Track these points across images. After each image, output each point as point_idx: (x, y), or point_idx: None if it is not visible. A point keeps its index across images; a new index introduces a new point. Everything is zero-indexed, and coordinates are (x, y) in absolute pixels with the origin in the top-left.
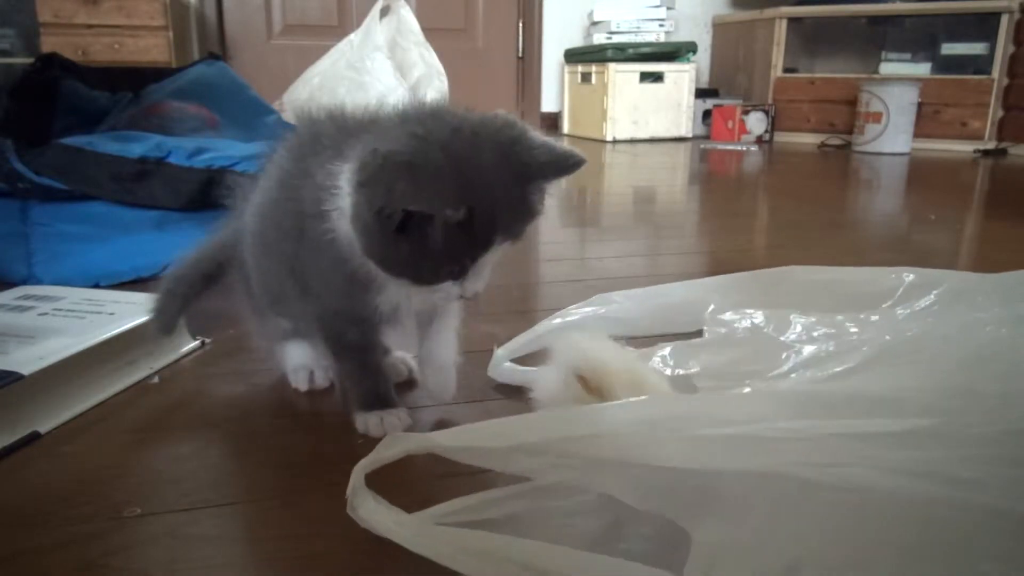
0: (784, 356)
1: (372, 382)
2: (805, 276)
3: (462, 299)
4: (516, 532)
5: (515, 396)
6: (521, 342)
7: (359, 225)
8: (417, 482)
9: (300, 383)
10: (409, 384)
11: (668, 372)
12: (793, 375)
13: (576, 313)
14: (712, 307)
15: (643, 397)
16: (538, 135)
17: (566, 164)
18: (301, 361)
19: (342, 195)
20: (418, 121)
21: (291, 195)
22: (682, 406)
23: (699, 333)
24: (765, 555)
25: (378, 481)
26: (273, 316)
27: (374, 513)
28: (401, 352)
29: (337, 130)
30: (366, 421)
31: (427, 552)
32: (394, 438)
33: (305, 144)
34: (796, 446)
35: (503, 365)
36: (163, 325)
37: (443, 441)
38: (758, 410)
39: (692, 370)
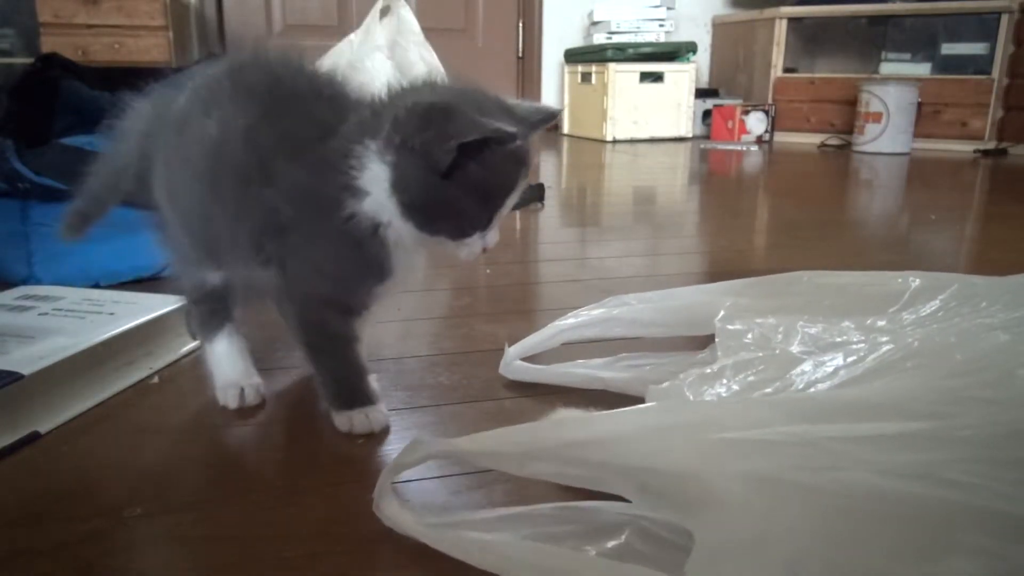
0: (794, 374)
1: (352, 377)
2: (813, 280)
3: (483, 253)
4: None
5: (526, 393)
6: (533, 341)
7: (403, 183)
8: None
9: (230, 401)
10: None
11: None
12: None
13: (589, 314)
14: (722, 313)
15: (650, 404)
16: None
17: (548, 115)
18: (232, 378)
19: (368, 170)
20: (412, 89)
21: (272, 170)
22: (687, 413)
23: (711, 338)
24: (765, 554)
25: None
26: (202, 266)
27: (399, 514)
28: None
29: (327, 102)
30: (350, 419)
31: (449, 551)
32: (416, 443)
33: (272, 99)
34: (795, 450)
35: (514, 363)
36: (75, 227)
37: (463, 446)
38: (759, 416)
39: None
